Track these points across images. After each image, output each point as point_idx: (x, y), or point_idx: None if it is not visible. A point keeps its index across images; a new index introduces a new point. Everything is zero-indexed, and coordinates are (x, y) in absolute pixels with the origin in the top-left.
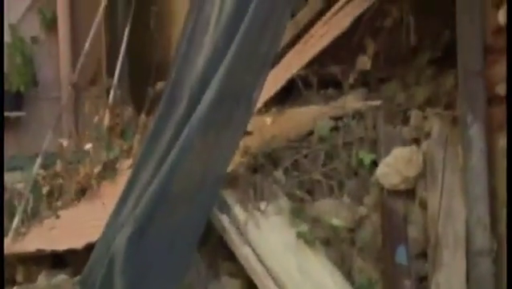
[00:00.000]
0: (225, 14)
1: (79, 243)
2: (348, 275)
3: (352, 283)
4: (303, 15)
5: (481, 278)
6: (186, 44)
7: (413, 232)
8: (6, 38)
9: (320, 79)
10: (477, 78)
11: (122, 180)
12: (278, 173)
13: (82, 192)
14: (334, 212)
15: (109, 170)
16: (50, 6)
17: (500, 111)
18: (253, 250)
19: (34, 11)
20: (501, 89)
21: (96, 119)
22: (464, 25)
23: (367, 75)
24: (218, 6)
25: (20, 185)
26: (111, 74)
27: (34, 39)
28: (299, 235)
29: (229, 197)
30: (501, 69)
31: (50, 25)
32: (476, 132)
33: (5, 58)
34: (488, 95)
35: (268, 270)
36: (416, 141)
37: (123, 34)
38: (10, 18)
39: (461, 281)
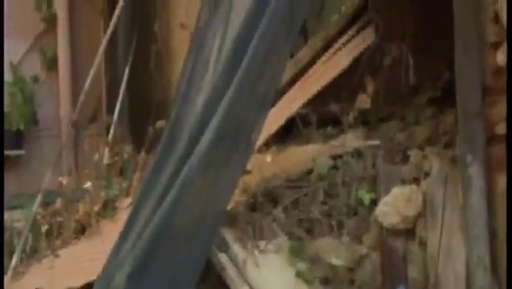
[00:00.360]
0: (224, 54)
1: (78, 282)
2: None
3: None
4: (303, 54)
5: None
6: (186, 83)
7: (413, 272)
8: (7, 77)
9: (320, 117)
10: (477, 118)
11: (122, 218)
12: (278, 212)
13: (81, 230)
14: (333, 251)
15: (109, 208)
16: (51, 46)
17: (499, 151)
18: (253, 288)
19: (36, 51)
20: (501, 129)
21: (96, 157)
22: (462, 65)
23: (367, 113)
24: (218, 47)
25: (19, 224)
26: (111, 112)
27: (35, 78)
28: (298, 274)
29: (229, 235)
30: (500, 109)
31: (51, 64)
32: (475, 171)
33: (5, 97)
34: (487, 135)
35: None
36: (416, 180)
37: (123, 72)
38: (11, 57)
39: None
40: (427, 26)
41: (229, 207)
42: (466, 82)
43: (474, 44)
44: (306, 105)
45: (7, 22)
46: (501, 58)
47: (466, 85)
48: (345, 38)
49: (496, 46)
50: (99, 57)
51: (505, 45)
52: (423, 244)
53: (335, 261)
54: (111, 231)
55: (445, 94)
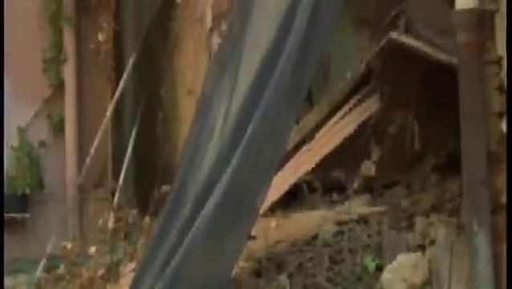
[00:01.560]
0: (230, 121)
1: None
2: None
3: None
4: (308, 120)
5: None
6: (191, 149)
7: None
8: (14, 142)
9: (325, 183)
10: (482, 187)
11: (126, 282)
12: (283, 278)
13: None
14: None
15: (113, 273)
16: (58, 111)
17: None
18: None
19: (43, 115)
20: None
21: (101, 221)
22: (468, 133)
23: (372, 180)
24: (224, 114)
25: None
26: (116, 176)
27: (42, 143)
28: None
29: None
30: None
31: (58, 129)
32: (482, 240)
33: (12, 161)
34: (493, 204)
35: None
36: (422, 248)
37: (129, 137)
38: (18, 121)
39: None
40: (432, 94)
41: (233, 273)
42: (472, 150)
43: (479, 113)
44: (311, 171)
45: (14, 85)
46: (505, 126)
47: (472, 154)
48: (350, 105)
49: (501, 115)
50: (105, 122)
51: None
52: None
53: None
54: None
55: (450, 161)
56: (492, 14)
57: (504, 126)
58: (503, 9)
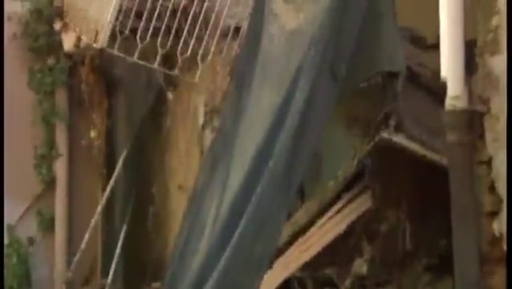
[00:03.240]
0: (221, 217)
1: None
2: None
3: None
4: (300, 216)
5: None
6: (182, 245)
7: None
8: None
9: (316, 281)
10: None
11: None
12: None
13: None
14: None
15: None
16: (48, 207)
17: None
18: None
19: (33, 212)
20: None
21: None
22: (459, 234)
23: (364, 278)
24: (215, 210)
25: None
26: (106, 273)
27: (31, 240)
28: None
29: None
30: (499, 280)
31: (48, 225)
32: None
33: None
34: None
35: None
36: None
37: (119, 233)
38: (7, 219)
39: None
40: (424, 193)
41: None
42: (463, 251)
43: (471, 214)
44: (302, 268)
45: (5, 182)
46: (497, 227)
47: (463, 255)
48: (342, 202)
49: (492, 215)
50: (96, 218)
51: (501, 215)
52: None
53: None
54: None
55: (442, 261)
56: (481, 115)
57: (496, 226)
58: (492, 110)
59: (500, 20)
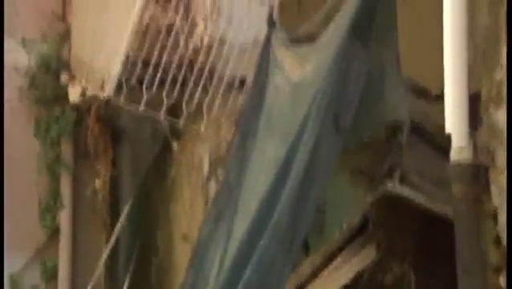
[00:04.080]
0: (224, 271)
1: None
2: None
3: None
4: (303, 269)
5: None
6: None
7: None
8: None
9: None
10: None
11: None
12: None
13: None
14: None
15: None
16: (52, 257)
17: None
18: None
19: (37, 262)
20: None
21: None
22: (465, 287)
23: None
24: (218, 264)
25: None
26: None
27: None
28: None
29: None
30: None
31: (51, 276)
32: None
33: None
34: None
35: None
36: None
37: (123, 285)
38: (11, 268)
39: None
40: (429, 246)
41: None
42: None
43: (476, 267)
44: None
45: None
46: (503, 281)
47: None
48: (346, 254)
49: (498, 269)
50: (99, 269)
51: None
52: None
53: None
54: None
55: None
56: (487, 168)
57: (502, 281)
58: (497, 163)
59: (504, 74)
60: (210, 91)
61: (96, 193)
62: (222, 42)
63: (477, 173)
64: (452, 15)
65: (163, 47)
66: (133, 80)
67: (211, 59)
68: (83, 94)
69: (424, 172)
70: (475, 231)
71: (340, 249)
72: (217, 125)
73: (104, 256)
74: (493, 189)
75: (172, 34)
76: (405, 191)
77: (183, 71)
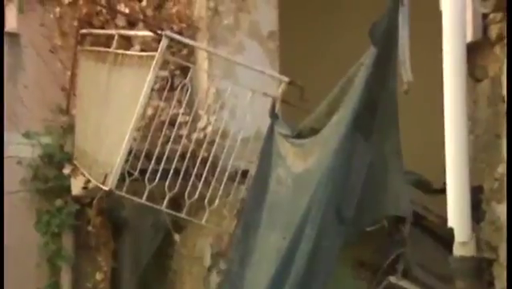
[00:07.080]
0: None
1: None
2: None
3: None
4: None
5: None
6: None
7: None
8: None
9: None
10: None
11: None
12: None
13: None
14: None
15: None
16: None
17: None
18: None
19: None
20: None
21: None
22: None
23: None
24: None
25: None
26: None
27: None
28: None
29: None
30: None
31: None
32: None
33: None
34: None
35: None
36: None
37: None
38: None
39: None
40: None
41: None
42: None
43: None
44: None
45: None
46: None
47: None
48: None
49: None
50: None
51: None
52: None
53: None
54: None
55: None
56: (491, 262)
57: None
58: (501, 258)
59: (505, 168)
60: (212, 184)
61: (97, 286)
62: (225, 134)
63: (481, 268)
64: (452, 108)
65: (166, 140)
66: (136, 173)
67: (213, 151)
68: (86, 186)
69: (427, 265)
70: None
71: None
72: (218, 217)
73: None
74: (497, 284)
75: (175, 126)
76: (408, 284)
77: (185, 164)
